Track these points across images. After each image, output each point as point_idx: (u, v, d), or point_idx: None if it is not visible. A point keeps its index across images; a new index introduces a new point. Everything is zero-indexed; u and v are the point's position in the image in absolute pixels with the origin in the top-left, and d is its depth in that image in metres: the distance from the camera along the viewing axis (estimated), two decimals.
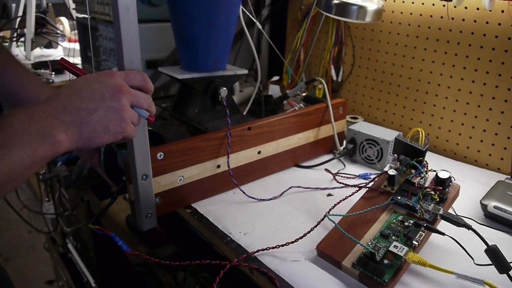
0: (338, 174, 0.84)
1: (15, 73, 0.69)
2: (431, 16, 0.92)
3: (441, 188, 0.60)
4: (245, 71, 0.84)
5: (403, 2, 0.97)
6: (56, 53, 1.67)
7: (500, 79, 0.83)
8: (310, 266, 0.57)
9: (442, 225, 0.56)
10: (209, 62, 0.79)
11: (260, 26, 0.93)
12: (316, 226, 0.63)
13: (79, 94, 0.47)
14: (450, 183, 0.62)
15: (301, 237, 0.61)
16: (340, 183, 0.80)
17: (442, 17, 0.90)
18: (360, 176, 0.83)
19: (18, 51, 1.62)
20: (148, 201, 0.64)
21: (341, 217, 0.62)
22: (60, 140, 0.44)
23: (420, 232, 0.55)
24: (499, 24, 0.81)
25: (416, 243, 0.54)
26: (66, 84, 0.50)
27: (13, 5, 1.64)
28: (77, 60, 1.40)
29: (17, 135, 0.42)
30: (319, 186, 0.78)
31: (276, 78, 1.27)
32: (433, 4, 0.91)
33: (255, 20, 0.90)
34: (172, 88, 1.14)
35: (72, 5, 1.45)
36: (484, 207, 0.68)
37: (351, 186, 0.78)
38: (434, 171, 0.63)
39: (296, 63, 1.24)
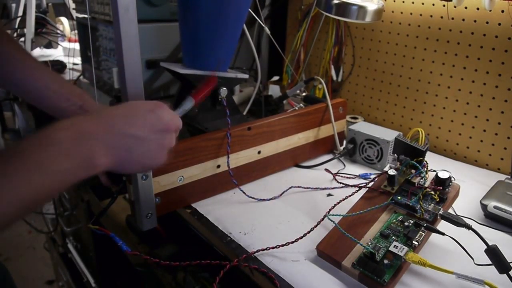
0: (338, 174, 0.84)
1: (24, 62, 0.68)
2: (431, 16, 0.92)
3: (441, 188, 0.60)
4: (246, 76, 0.85)
5: (403, 2, 0.97)
6: (56, 53, 1.67)
7: (500, 79, 0.83)
8: (310, 266, 0.57)
9: (442, 225, 0.56)
10: (212, 61, 0.79)
11: (265, 27, 0.93)
12: (316, 226, 0.63)
13: (133, 121, 0.46)
14: (450, 183, 0.62)
15: (301, 237, 0.61)
16: (340, 183, 0.80)
17: (442, 17, 0.90)
18: (360, 176, 0.83)
19: None
20: (148, 201, 0.64)
21: (341, 217, 0.62)
22: (99, 165, 0.43)
23: (420, 232, 0.55)
24: (499, 24, 0.81)
25: (416, 243, 0.54)
26: (120, 104, 0.49)
27: (13, 5, 1.64)
28: (77, 60, 1.41)
29: (60, 159, 0.40)
30: (319, 186, 0.78)
31: (276, 78, 1.27)
32: (433, 4, 0.91)
33: (259, 21, 0.90)
34: (172, 88, 1.14)
35: (72, 5, 1.45)
36: (484, 207, 0.68)
37: (351, 186, 0.78)
38: (434, 171, 0.63)
39: (296, 63, 1.24)
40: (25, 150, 0.38)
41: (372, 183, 0.69)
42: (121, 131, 0.45)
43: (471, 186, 0.78)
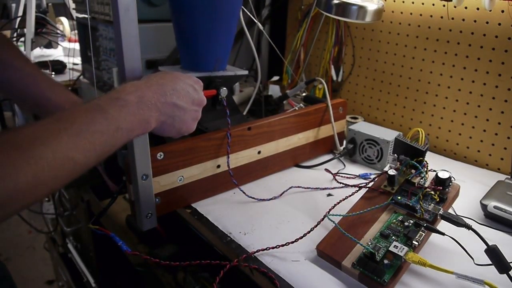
0: (338, 174, 0.84)
1: (23, 70, 0.70)
2: (431, 16, 0.92)
3: (441, 188, 0.60)
4: (245, 72, 0.84)
5: (403, 2, 0.97)
6: (56, 53, 1.67)
7: (500, 79, 0.83)
8: (310, 266, 0.57)
9: (442, 225, 0.56)
10: (209, 61, 0.79)
11: (261, 26, 0.93)
12: (316, 226, 0.63)
13: (179, 93, 0.54)
14: (450, 183, 0.62)
15: (301, 237, 0.61)
16: (340, 183, 0.80)
17: (442, 17, 0.90)
18: (360, 176, 0.83)
19: None
20: (148, 201, 0.64)
21: (341, 217, 0.62)
22: (151, 126, 0.51)
23: (420, 232, 0.55)
24: (499, 24, 0.81)
25: (416, 243, 0.54)
26: (165, 74, 0.56)
27: (13, 5, 1.64)
28: (77, 60, 1.40)
29: (128, 118, 0.47)
30: (319, 186, 0.78)
31: (276, 78, 1.27)
32: (433, 4, 0.91)
33: (255, 21, 0.90)
34: None
35: (72, 5, 1.45)
36: (484, 207, 0.68)
37: (351, 186, 0.78)
38: (434, 171, 0.63)
39: (296, 63, 1.24)
40: (105, 106, 0.46)
41: (372, 183, 0.69)
42: (170, 101, 0.53)
43: (471, 186, 0.78)
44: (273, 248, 0.60)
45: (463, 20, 0.86)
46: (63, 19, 1.77)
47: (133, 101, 0.48)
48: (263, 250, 0.60)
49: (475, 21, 0.84)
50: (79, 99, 0.74)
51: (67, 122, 0.42)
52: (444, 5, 0.88)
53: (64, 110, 0.44)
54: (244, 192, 0.74)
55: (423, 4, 0.93)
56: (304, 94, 1.11)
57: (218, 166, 0.73)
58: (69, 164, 0.41)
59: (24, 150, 0.38)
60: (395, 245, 0.53)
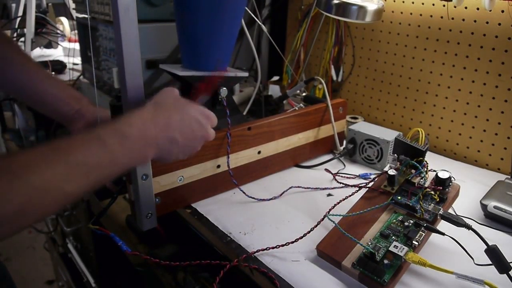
0: (338, 174, 0.84)
1: (25, 66, 0.70)
2: (431, 16, 0.92)
3: (441, 188, 0.60)
4: (246, 74, 0.84)
5: (403, 2, 0.97)
6: (56, 53, 1.67)
7: (500, 79, 0.83)
8: (310, 266, 0.57)
9: (442, 225, 0.56)
10: (210, 61, 0.79)
11: (263, 26, 0.93)
12: (316, 226, 0.63)
13: (183, 130, 0.54)
14: (450, 183, 0.62)
15: (301, 237, 0.61)
16: (340, 183, 0.80)
17: (442, 17, 0.90)
18: (360, 176, 0.83)
19: None
20: (148, 201, 0.64)
21: (341, 217, 0.62)
22: (147, 160, 0.53)
23: (420, 232, 0.55)
24: (499, 24, 0.81)
25: (416, 243, 0.54)
26: (173, 105, 0.54)
27: (13, 5, 1.64)
28: (77, 60, 1.41)
29: (125, 152, 0.47)
30: (319, 186, 0.78)
31: (276, 78, 1.27)
32: (433, 4, 0.91)
33: (257, 20, 0.90)
34: None
35: (72, 5, 1.45)
36: (484, 207, 0.68)
37: (351, 186, 0.78)
38: (434, 171, 0.63)
39: (296, 63, 1.24)
40: (105, 137, 0.45)
41: (372, 183, 0.69)
42: (172, 137, 0.52)
43: (471, 186, 0.78)
44: (273, 248, 0.60)
45: (463, 20, 0.86)
46: (63, 19, 1.77)
47: (135, 135, 0.48)
48: (263, 250, 0.60)
49: (475, 21, 0.84)
50: (80, 95, 0.74)
51: (63, 152, 0.42)
52: (444, 5, 0.88)
53: (63, 138, 0.44)
54: (244, 192, 0.74)
55: (423, 4, 0.93)
56: (304, 94, 1.11)
57: (218, 166, 0.73)
58: (60, 194, 0.41)
59: (16, 177, 0.38)
60: (395, 245, 0.53)
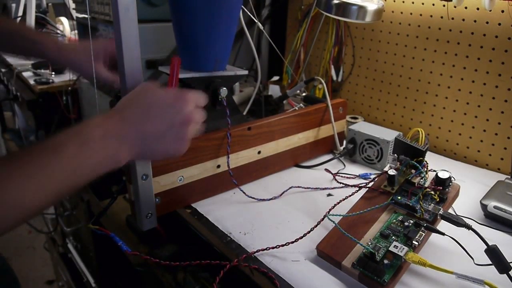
0: (338, 174, 0.84)
1: (7, 21, 0.81)
2: (431, 16, 0.92)
3: (441, 188, 0.60)
4: (245, 72, 0.84)
5: (403, 2, 0.97)
6: None
7: (500, 79, 0.83)
8: (310, 266, 0.57)
9: (442, 225, 0.56)
10: (209, 61, 0.79)
11: (261, 26, 0.93)
12: (316, 226, 0.63)
13: (151, 118, 0.49)
14: (450, 183, 0.62)
15: (301, 237, 0.61)
16: (340, 183, 0.80)
17: (442, 17, 0.90)
18: (360, 176, 0.83)
19: None
20: (148, 201, 0.64)
21: (341, 217, 0.62)
22: (122, 160, 0.48)
23: (420, 232, 0.55)
24: (499, 24, 0.81)
25: (416, 243, 0.54)
26: (139, 95, 0.51)
27: (13, 5, 1.64)
28: None
29: (92, 154, 0.44)
30: (319, 186, 0.78)
31: (276, 78, 1.27)
32: (433, 4, 0.91)
33: (256, 20, 0.90)
34: None
35: (72, 5, 1.45)
36: (484, 207, 0.68)
37: (351, 186, 0.78)
38: (434, 171, 0.63)
39: (296, 63, 1.24)
40: (63, 143, 0.43)
41: (372, 183, 0.69)
42: (141, 129, 0.48)
43: (471, 186, 0.78)
44: (273, 248, 0.60)
45: (463, 20, 0.86)
46: (63, 19, 1.77)
47: (97, 136, 0.45)
48: (263, 250, 0.60)
49: (475, 21, 0.84)
50: (64, 43, 0.79)
51: (21, 163, 0.41)
52: (444, 5, 0.88)
53: (24, 148, 0.43)
54: (244, 192, 0.74)
55: (423, 4, 0.93)
56: (304, 94, 1.11)
57: (218, 166, 0.73)
58: (20, 206, 0.39)
59: None
60: (395, 245, 0.53)
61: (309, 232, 0.62)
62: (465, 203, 0.71)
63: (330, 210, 0.66)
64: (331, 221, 0.60)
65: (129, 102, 0.51)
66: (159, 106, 0.50)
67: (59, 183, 0.42)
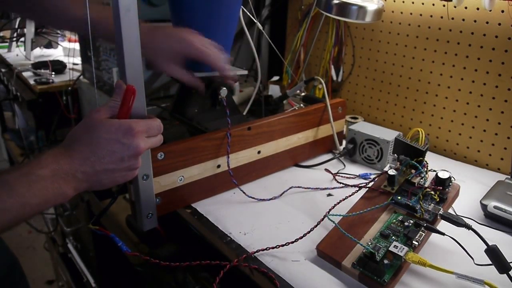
0: (338, 174, 0.84)
1: None
2: (431, 16, 0.92)
3: (441, 188, 0.60)
4: (245, 72, 0.84)
5: (403, 2, 0.97)
6: (56, 53, 1.67)
7: (500, 79, 0.83)
8: (310, 266, 0.57)
9: (442, 225, 0.56)
10: None
11: (260, 26, 0.93)
12: (316, 226, 0.63)
13: (99, 156, 0.50)
14: (450, 183, 0.62)
15: (301, 237, 0.61)
16: (340, 183, 0.80)
17: (442, 17, 0.90)
18: (360, 176, 0.83)
19: (18, 51, 1.62)
20: (148, 201, 0.64)
21: (341, 217, 0.62)
22: (68, 197, 0.49)
23: (420, 232, 0.55)
24: (499, 24, 0.81)
25: (416, 243, 0.54)
26: (88, 132, 0.51)
27: None
28: (77, 60, 1.40)
29: (39, 193, 0.46)
30: (319, 186, 0.78)
31: (276, 78, 1.27)
32: (433, 4, 0.91)
33: (255, 21, 0.90)
34: (172, 88, 1.14)
35: None
36: (484, 207, 0.68)
37: (351, 186, 0.78)
38: (434, 171, 0.63)
39: (296, 63, 1.24)
40: (15, 182, 0.45)
41: (372, 183, 0.69)
42: (90, 166, 0.50)
43: (471, 186, 0.78)
44: (273, 248, 0.60)
45: (463, 20, 0.86)
46: None
47: (46, 175, 0.47)
48: (263, 250, 0.60)
49: (475, 21, 0.84)
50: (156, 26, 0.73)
51: None
52: (444, 5, 0.88)
53: None
54: (244, 192, 0.74)
55: (423, 4, 0.93)
56: (303, 94, 1.11)
57: (218, 166, 0.73)
58: None
59: None
60: (395, 245, 0.53)
61: (309, 232, 0.62)
62: (465, 203, 0.71)
63: (330, 210, 0.66)
64: (331, 221, 0.60)
65: (78, 137, 0.51)
66: (108, 143, 0.50)
67: (8, 219, 0.45)
